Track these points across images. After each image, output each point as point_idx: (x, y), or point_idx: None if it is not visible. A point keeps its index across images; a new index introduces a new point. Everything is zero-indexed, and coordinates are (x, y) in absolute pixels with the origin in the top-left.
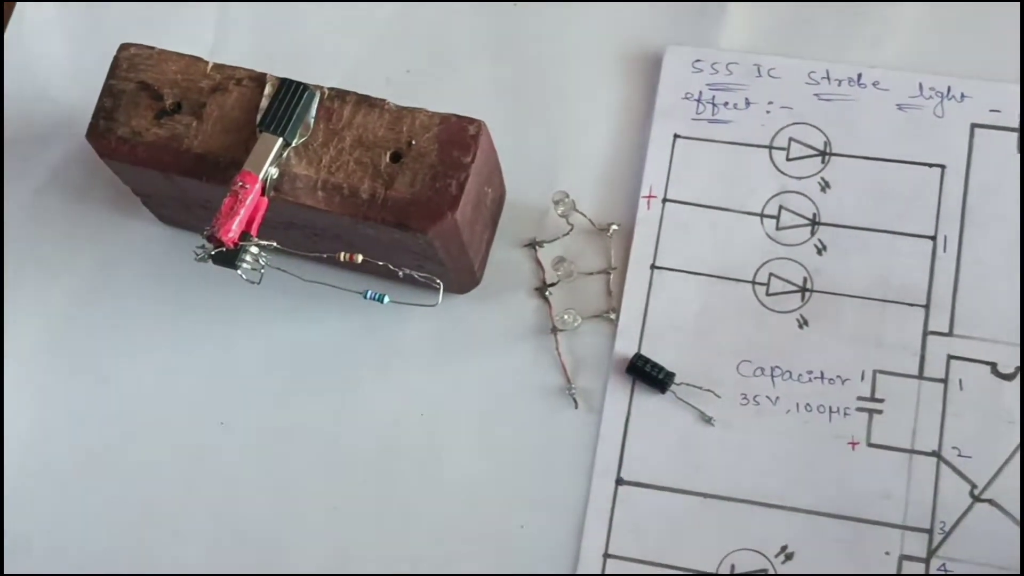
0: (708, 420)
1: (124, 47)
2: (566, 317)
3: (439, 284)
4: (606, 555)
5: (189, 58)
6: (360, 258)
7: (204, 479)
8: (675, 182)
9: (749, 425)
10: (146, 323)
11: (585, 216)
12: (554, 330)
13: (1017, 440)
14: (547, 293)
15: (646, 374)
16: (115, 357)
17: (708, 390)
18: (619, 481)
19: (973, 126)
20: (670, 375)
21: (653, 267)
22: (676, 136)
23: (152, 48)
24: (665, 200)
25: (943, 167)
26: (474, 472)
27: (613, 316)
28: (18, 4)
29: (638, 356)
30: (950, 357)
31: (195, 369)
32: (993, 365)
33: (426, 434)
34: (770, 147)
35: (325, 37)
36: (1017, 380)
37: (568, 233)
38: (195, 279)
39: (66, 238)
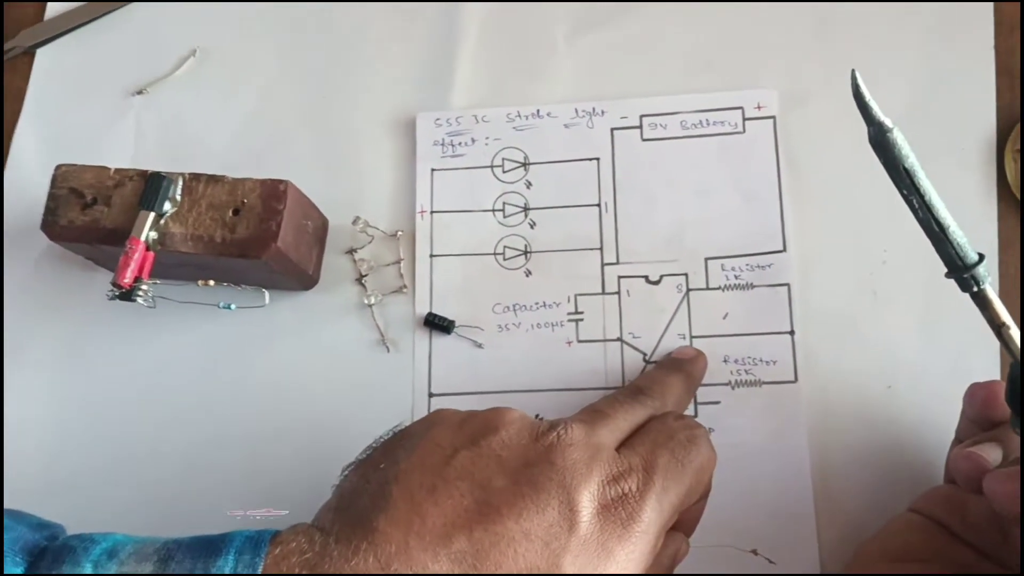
0: (479, 345)
1: (58, 167)
2: (373, 297)
3: (264, 291)
4: None
5: (99, 167)
6: (212, 282)
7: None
8: (436, 199)
9: (504, 343)
10: (98, 342)
11: (379, 229)
12: (369, 304)
13: (666, 322)
14: (362, 281)
15: (436, 324)
16: (75, 366)
17: (476, 327)
18: (431, 394)
19: (612, 130)
20: (452, 322)
21: (431, 256)
22: (433, 170)
23: (75, 164)
24: (432, 212)
25: (598, 159)
26: (324, 409)
27: (405, 290)
28: (14, 142)
29: (430, 314)
30: (619, 277)
31: (133, 372)
32: (646, 277)
33: (293, 390)
34: (491, 166)
35: (206, 137)
36: (663, 284)
37: (370, 242)
38: (126, 306)
39: (50, 283)
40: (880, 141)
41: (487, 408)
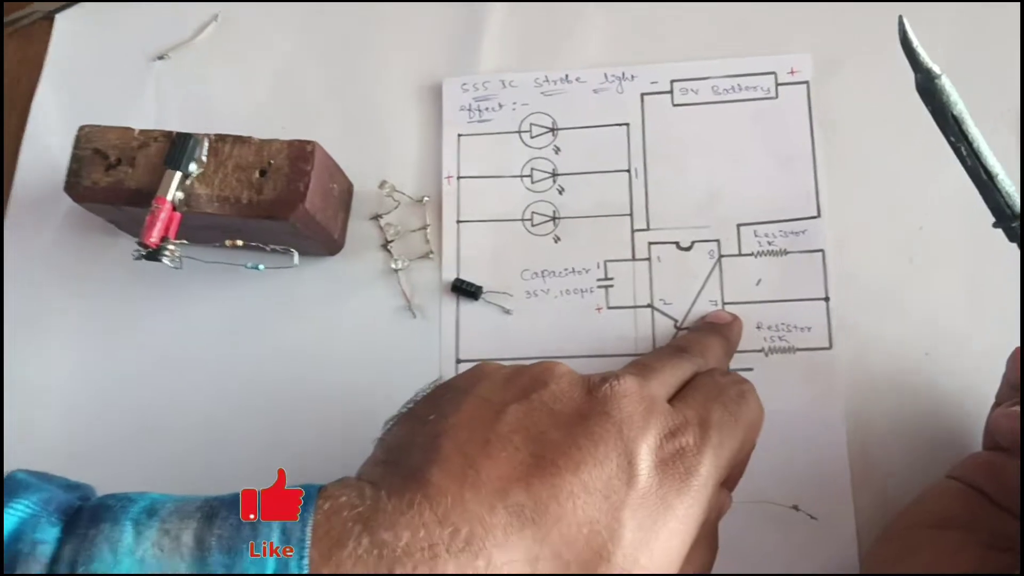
0: (508, 312)
1: (81, 128)
2: (399, 262)
3: (293, 252)
4: None
5: (123, 128)
6: (240, 242)
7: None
8: (463, 165)
9: (533, 309)
10: (121, 307)
11: (404, 194)
12: (395, 270)
13: (697, 288)
14: (388, 247)
15: (464, 290)
16: (96, 332)
17: (504, 293)
18: (458, 360)
19: (642, 95)
20: (479, 288)
21: (458, 222)
22: (459, 135)
23: (98, 125)
24: (459, 178)
25: (627, 124)
26: (349, 374)
27: (432, 256)
28: (33, 108)
29: (457, 279)
30: (649, 243)
31: (157, 335)
32: (677, 243)
33: (319, 356)
34: (519, 132)
35: (229, 101)
36: (694, 250)
37: (396, 207)
38: (150, 269)
39: (72, 248)
40: (928, 88)
41: (532, 363)
